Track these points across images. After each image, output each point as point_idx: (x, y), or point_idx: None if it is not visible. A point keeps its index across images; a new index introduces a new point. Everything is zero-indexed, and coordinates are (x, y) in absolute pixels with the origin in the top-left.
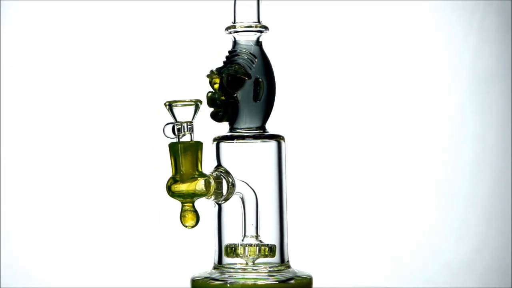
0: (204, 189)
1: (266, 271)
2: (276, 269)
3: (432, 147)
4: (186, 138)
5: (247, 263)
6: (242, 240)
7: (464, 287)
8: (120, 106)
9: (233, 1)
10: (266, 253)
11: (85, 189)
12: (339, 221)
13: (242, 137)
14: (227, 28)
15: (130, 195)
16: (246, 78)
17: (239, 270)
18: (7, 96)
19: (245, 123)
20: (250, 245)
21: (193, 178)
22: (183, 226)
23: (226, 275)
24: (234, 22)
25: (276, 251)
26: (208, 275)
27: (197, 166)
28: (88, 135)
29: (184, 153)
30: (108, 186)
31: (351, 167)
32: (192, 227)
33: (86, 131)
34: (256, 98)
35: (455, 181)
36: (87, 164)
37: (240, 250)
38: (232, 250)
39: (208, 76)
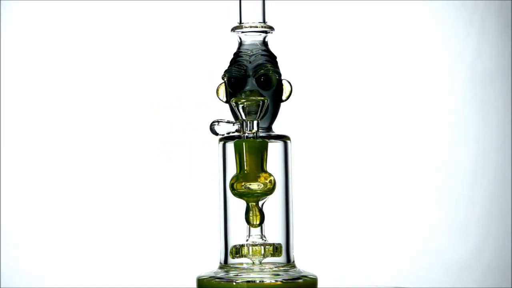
0: (269, 188)
1: (272, 270)
2: (282, 268)
3: (432, 147)
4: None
5: (253, 263)
6: (247, 240)
7: (464, 287)
8: (121, 107)
9: (239, 2)
10: (272, 253)
11: (87, 189)
12: (342, 222)
13: (248, 137)
14: (234, 29)
15: (134, 194)
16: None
17: (245, 270)
18: (7, 96)
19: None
20: (256, 244)
21: (258, 177)
22: (247, 225)
23: (232, 275)
24: (240, 22)
25: (282, 250)
26: (213, 274)
27: (262, 165)
28: (89, 134)
29: (249, 152)
30: (111, 185)
31: (354, 167)
32: (258, 225)
33: (87, 131)
34: (283, 98)
35: (455, 181)
36: (89, 164)
37: (245, 250)
38: (238, 250)
39: (230, 75)
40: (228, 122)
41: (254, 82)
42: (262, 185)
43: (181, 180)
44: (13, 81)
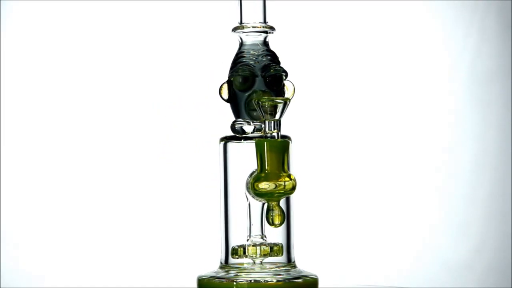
0: (290, 188)
1: (273, 270)
2: (282, 268)
3: (432, 147)
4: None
5: (254, 263)
6: (247, 240)
7: (464, 287)
8: (121, 107)
9: (239, 2)
10: (273, 253)
11: (87, 189)
12: (343, 222)
13: (251, 138)
14: (235, 29)
15: (134, 194)
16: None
17: (246, 270)
18: (7, 96)
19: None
20: (256, 244)
21: (279, 177)
22: (269, 225)
23: (232, 274)
24: (241, 22)
25: (283, 250)
26: (214, 274)
27: (283, 165)
28: (89, 134)
29: (270, 151)
30: (112, 185)
31: (354, 167)
32: (279, 225)
33: (87, 131)
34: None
35: (455, 181)
36: (89, 164)
37: (246, 250)
38: (238, 251)
39: (240, 75)
40: (241, 121)
41: (262, 82)
42: (274, 186)
43: (181, 180)
44: (13, 81)
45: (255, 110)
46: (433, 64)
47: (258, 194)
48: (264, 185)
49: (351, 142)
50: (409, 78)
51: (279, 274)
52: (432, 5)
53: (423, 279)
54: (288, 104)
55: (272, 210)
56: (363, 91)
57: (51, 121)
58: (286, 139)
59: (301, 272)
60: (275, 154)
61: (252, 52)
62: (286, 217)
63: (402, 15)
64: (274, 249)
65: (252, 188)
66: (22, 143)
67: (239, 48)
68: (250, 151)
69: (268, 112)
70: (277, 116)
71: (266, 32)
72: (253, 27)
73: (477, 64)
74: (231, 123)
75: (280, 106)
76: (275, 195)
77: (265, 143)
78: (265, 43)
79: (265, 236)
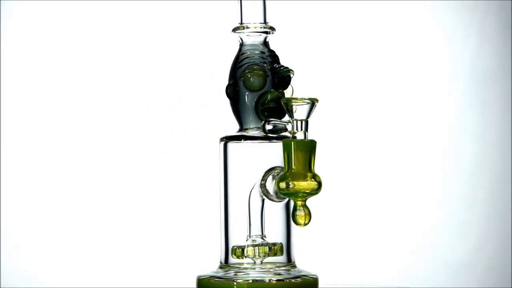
0: (315, 188)
1: (273, 270)
2: (282, 268)
3: (432, 147)
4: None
5: (254, 263)
6: (247, 240)
7: (464, 287)
8: (121, 107)
9: (239, 2)
10: (273, 253)
11: (87, 189)
12: (343, 222)
13: (251, 138)
14: (235, 29)
15: (134, 194)
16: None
17: (245, 269)
18: (7, 96)
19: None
20: (256, 245)
21: (305, 177)
22: (295, 224)
23: (232, 274)
24: (241, 23)
25: (283, 250)
26: (214, 274)
27: (309, 165)
28: (89, 135)
29: (297, 151)
30: (112, 185)
31: (354, 168)
32: (305, 225)
33: (87, 131)
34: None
35: (455, 181)
36: (89, 164)
37: (246, 250)
38: (238, 251)
39: (254, 75)
40: (271, 121)
41: (271, 82)
42: (299, 185)
43: (181, 180)
44: (13, 81)
45: (266, 110)
46: (433, 64)
47: (283, 193)
48: (288, 185)
49: (351, 142)
50: (409, 78)
51: (279, 274)
52: (432, 5)
53: (423, 279)
54: (315, 105)
55: (299, 209)
56: (363, 92)
57: (51, 121)
58: (313, 139)
59: (301, 272)
60: (302, 154)
61: (257, 52)
62: (311, 216)
63: (402, 15)
64: (274, 249)
65: (278, 187)
66: (22, 143)
67: (240, 49)
68: (250, 151)
69: (294, 112)
70: (304, 117)
71: (266, 33)
72: (255, 27)
73: (477, 64)
74: (263, 122)
75: (307, 107)
76: (300, 194)
77: (292, 143)
78: (265, 43)
79: (265, 236)
